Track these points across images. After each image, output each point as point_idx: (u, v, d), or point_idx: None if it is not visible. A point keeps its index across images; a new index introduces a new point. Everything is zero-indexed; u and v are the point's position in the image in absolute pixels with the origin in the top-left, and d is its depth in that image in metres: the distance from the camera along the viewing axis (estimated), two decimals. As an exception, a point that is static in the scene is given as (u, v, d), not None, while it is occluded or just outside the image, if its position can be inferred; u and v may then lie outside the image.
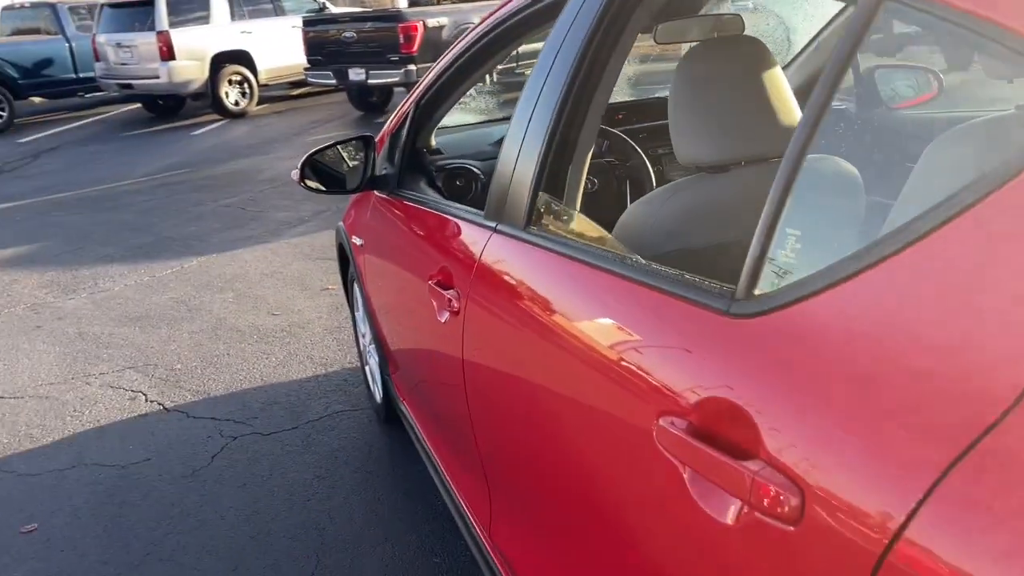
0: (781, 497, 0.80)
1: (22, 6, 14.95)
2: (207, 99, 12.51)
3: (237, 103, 12.65)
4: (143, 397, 3.59)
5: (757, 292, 0.93)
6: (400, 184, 2.36)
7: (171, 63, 12.05)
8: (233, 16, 12.74)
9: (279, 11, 13.36)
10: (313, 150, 2.37)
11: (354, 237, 2.85)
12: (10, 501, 2.88)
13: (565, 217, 1.49)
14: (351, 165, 2.44)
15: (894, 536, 0.68)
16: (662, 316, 1.08)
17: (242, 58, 12.63)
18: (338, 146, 2.41)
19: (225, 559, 2.48)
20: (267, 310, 4.50)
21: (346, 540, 2.52)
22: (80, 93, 13.96)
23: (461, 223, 1.85)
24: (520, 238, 1.51)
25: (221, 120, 12.29)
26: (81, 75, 13.62)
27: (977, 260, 0.70)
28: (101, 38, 12.61)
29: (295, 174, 2.39)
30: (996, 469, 0.64)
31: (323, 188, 2.40)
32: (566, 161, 1.51)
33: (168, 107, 13.25)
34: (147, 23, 12.12)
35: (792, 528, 0.79)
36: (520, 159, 1.57)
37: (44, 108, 14.50)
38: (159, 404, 3.51)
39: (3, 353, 4.20)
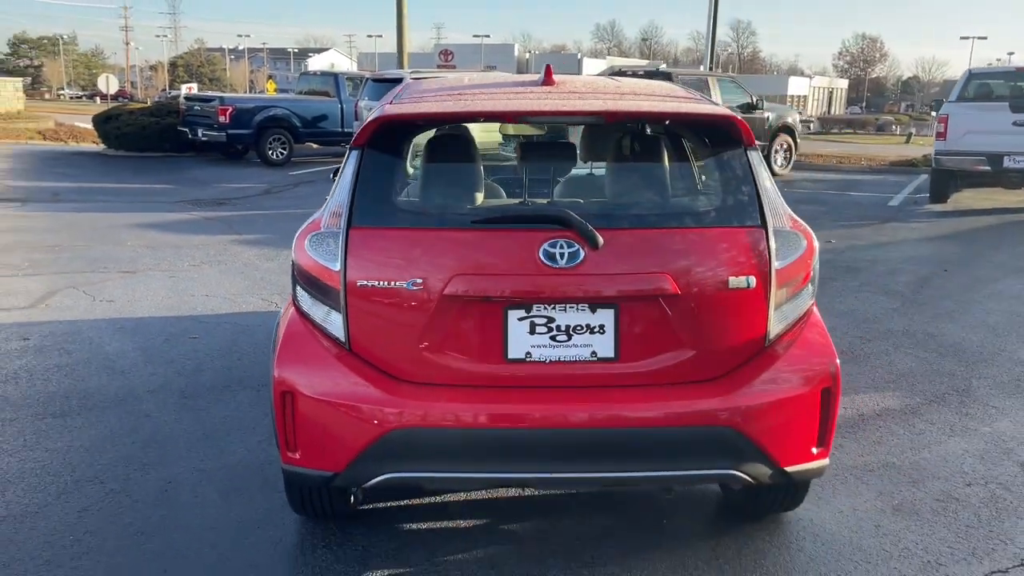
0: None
1: (315, 73, 19.42)
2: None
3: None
4: (276, 304, 6.36)
5: None
6: None
7: (405, 127, 15.52)
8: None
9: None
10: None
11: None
12: (191, 328, 5.71)
13: None
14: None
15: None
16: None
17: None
18: None
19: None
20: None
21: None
22: (343, 143, 17.95)
23: None
24: None
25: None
26: (346, 130, 17.57)
27: None
28: (362, 103, 16.45)
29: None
30: None
31: None
32: None
33: (401, 161, 16.75)
34: (395, 95, 15.74)
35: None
36: None
37: (314, 152, 18.71)
38: (279, 307, 6.27)
39: (219, 281, 7.20)
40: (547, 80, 3.24)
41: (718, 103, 3.14)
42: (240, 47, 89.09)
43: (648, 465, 2.72)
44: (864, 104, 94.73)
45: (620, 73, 15.95)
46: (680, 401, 2.71)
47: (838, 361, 2.83)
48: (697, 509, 3.42)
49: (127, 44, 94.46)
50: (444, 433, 2.65)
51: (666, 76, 15.16)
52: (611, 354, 2.73)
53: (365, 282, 2.69)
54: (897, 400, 4.68)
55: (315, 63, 74.58)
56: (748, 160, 2.89)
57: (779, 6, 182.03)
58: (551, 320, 2.71)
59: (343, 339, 2.75)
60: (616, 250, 2.69)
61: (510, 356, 2.71)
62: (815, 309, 2.97)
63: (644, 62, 67.17)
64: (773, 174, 16.12)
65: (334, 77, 18.37)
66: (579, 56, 69.28)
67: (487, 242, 2.71)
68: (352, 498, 3.15)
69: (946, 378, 5.04)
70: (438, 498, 3.42)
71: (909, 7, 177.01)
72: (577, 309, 2.71)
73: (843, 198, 13.83)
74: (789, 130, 16.58)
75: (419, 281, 2.67)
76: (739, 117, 2.89)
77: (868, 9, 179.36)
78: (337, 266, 2.71)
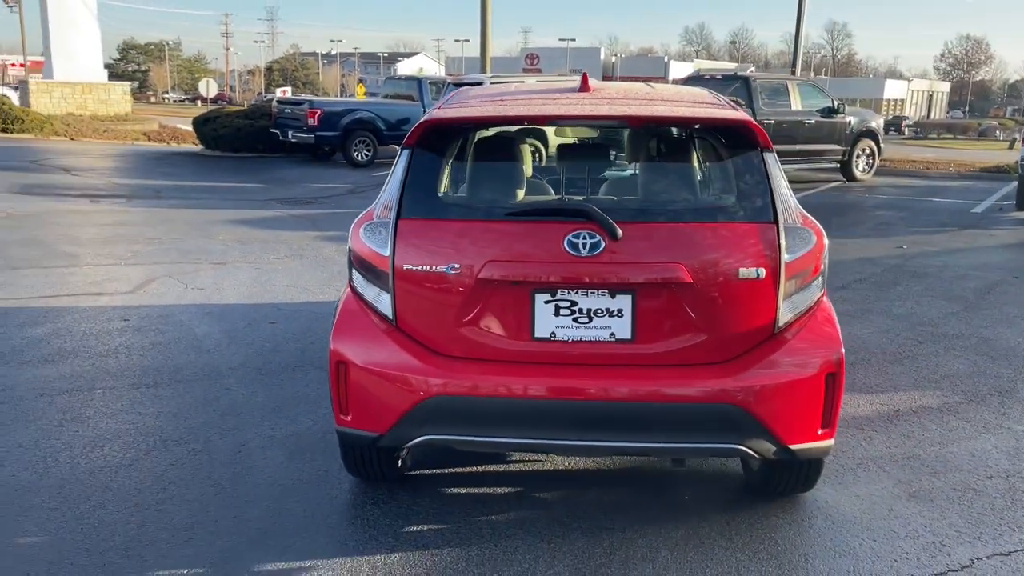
0: None
1: (399, 78, 20.04)
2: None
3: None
4: (348, 295, 6.82)
5: None
6: None
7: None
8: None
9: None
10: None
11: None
12: (271, 314, 6.20)
13: None
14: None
15: None
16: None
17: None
18: None
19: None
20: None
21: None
22: (425, 146, 18.51)
23: None
24: None
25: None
26: (428, 132, 18.09)
27: None
28: (443, 107, 16.99)
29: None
30: None
31: None
32: None
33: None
34: (475, 99, 16.22)
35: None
36: None
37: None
38: (353, 298, 6.72)
39: (300, 273, 7.71)
40: (583, 87, 3.53)
41: (738, 109, 3.38)
42: (333, 52, 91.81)
43: (659, 437, 2.99)
44: (967, 108, 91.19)
45: (698, 78, 16.05)
46: (691, 380, 2.97)
47: (843, 349, 3.05)
48: (717, 487, 3.66)
49: (227, 50, 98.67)
50: (475, 401, 2.98)
51: (743, 80, 15.21)
52: (628, 336, 3.01)
53: (410, 266, 3.04)
54: (937, 398, 4.79)
55: (404, 67, 76.22)
56: (763, 161, 3.13)
57: (879, 7, 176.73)
58: (574, 304, 3.00)
59: (391, 316, 3.10)
60: (634, 241, 2.97)
61: (536, 335, 3.02)
62: (825, 300, 3.19)
63: (733, 65, 66.32)
64: (854, 179, 15.99)
65: (417, 81, 18.96)
66: (666, 59, 68.83)
67: (517, 232, 3.03)
68: (400, 462, 3.51)
69: (991, 379, 5.11)
70: (477, 467, 3.75)
71: (1018, 7, 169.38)
72: (598, 294, 3.00)
73: (924, 204, 13.62)
74: (872, 134, 16.35)
75: (457, 266, 3.00)
76: (754, 122, 3.13)
77: (973, 10, 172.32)
78: (387, 252, 3.07)
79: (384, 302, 3.12)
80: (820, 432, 3.04)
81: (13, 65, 57.89)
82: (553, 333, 3.02)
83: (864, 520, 3.39)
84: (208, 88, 33.17)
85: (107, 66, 31.63)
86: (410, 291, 3.07)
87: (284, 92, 28.84)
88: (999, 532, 3.31)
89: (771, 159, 3.15)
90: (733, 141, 3.19)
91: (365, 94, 39.01)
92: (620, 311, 3.00)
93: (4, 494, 3.43)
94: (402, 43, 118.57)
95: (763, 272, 2.99)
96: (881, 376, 5.13)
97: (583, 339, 3.02)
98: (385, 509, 3.39)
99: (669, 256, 2.97)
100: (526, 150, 3.66)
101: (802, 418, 3.01)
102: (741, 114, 3.23)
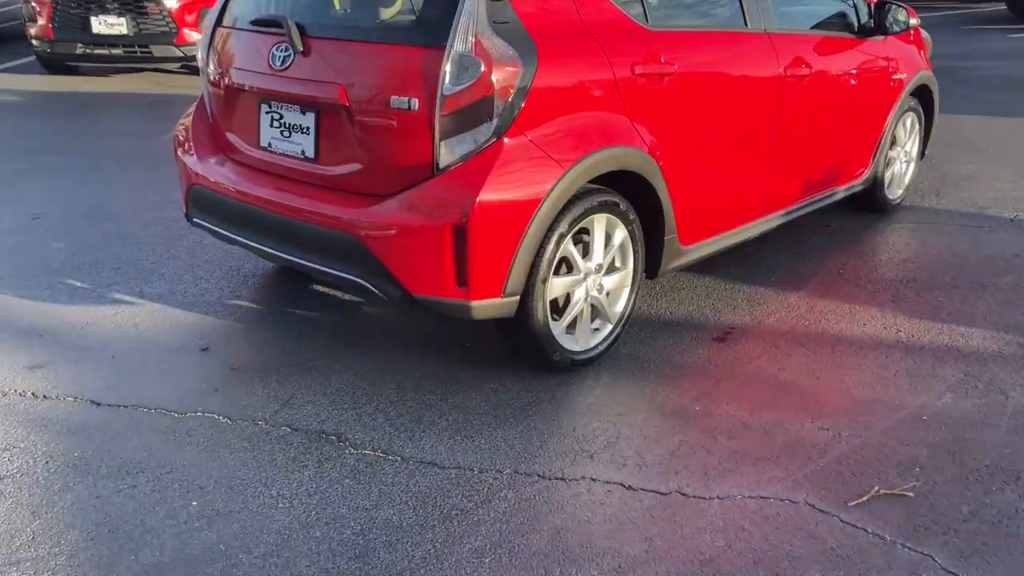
0: None
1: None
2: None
3: None
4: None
5: None
6: None
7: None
8: None
9: None
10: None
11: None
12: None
13: None
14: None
15: None
16: None
17: None
18: None
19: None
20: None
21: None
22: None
23: None
24: None
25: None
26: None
27: None
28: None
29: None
30: None
31: None
32: None
33: None
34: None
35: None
36: None
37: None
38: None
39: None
40: None
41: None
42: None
43: (313, 258, 3.05)
44: None
45: None
46: (342, 209, 2.94)
47: (480, 199, 2.68)
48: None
49: None
50: (211, 195, 3.37)
51: None
52: (312, 155, 3.07)
53: (209, 69, 3.45)
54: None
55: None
56: None
57: None
58: (281, 117, 3.15)
59: (208, 114, 3.54)
60: (316, 58, 2.98)
61: (261, 143, 3.24)
62: (508, 146, 2.78)
63: None
64: None
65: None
66: None
67: (249, 42, 3.27)
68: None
69: None
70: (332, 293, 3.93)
71: None
72: (293, 109, 3.09)
73: None
74: None
75: (221, 71, 3.35)
76: None
77: None
78: (204, 54, 3.47)
79: (206, 100, 3.54)
80: (460, 289, 2.78)
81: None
82: (270, 143, 3.20)
83: (574, 405, 3.05)
84: None
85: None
86: (210, 92, 3.47)
87: None
88: (665, 470, 2.69)
89: None
90: None
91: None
92: (307, 128, 3.05)
93: (159, 315, 3.81)
94: None
95: (416, 103, 2.74)
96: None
97: (286, 152, 3.15)
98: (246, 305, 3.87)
99: (333, 76, 2.92)
100: None
101: (426, 269, 2.80)
102: None
